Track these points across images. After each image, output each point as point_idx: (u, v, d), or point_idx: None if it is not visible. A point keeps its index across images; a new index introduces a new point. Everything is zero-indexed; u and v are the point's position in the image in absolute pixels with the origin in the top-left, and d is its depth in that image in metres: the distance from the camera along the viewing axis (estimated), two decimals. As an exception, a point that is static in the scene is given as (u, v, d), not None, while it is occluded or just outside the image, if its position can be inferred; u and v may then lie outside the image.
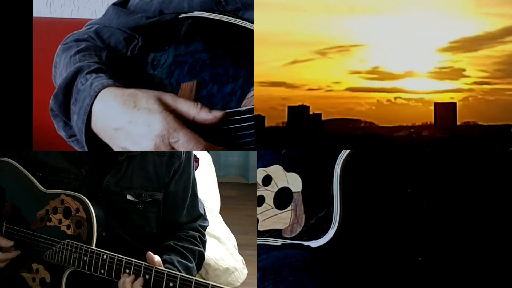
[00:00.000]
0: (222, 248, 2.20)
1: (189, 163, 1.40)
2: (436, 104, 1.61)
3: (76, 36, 1.32)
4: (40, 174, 1.32)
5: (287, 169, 1.20)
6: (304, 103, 1.62)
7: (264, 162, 1.24)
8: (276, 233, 1.20)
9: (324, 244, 1.13)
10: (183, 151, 1.37)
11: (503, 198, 1.17)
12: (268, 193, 1.22)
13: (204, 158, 2.56)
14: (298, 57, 1.49)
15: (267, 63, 1.36)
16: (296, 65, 1.50)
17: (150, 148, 1.05)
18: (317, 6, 1.44)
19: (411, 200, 1.17)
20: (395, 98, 1.56)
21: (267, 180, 1.23)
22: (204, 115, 1.07)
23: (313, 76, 1.52)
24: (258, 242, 1.21)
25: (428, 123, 1.62)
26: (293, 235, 1.17)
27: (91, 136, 1.14)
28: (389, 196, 1.17)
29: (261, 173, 1.23)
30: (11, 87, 1.36)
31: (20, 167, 1.32)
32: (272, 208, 1.21)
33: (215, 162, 2.84)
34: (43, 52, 1.46)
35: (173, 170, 1.36)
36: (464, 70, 1.51)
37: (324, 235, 1.13)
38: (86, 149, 1.16)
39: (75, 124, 1.15)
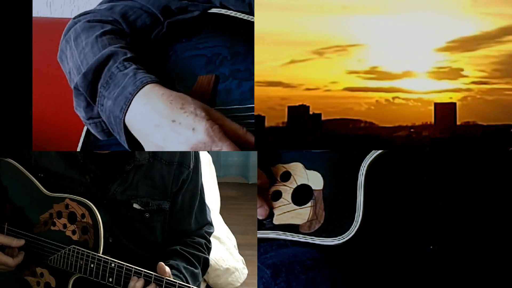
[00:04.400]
0: (222, 248, 2.20)
1: (197, 171, 1.39)
2: (436, 104, 1.61)
3: (98, 17, 1.26)
4: (42, 175, 1.31)
5: (308, 167, 1.20)
6: (303, 103, 1.62)
7: (283, 159, 1.24)
8: (292, 229, 1.20)
9: (344, 242, 1.13)
10: (192, 159, 1.36)
11: (504, 198, 1.17)
12: (286, 188, 1.22)
13: (204, 158, 2.56)
14: (296, 57, 1.49)
15: (265, 62, 1.36)
16: (294, 65, 1.50)
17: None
18: (314, 6, 1.44)
19: (429, 202, 1.17)
20: (393, 98, 1.56)
21: (286, 176, 1.23)
22: (250, 137, 1.06)
23: (311, 76, 1.52)
24: (273, 236, 1.21)
25: (428, 123, 1.62)
26: (311, 231, 1.17)
27: (124, 125, 1.10)
28: (409, 197, 1.17)
29: (279, 169, 1.23)
30: (11, 87, 1.37)
31: (21, 167, 1.31)
32: (290, 203, 1.21)
33: (215, 162, 2.84)
34: (43, 52, 1.47)
35: (181, 180, 1.34)
36: (462, 70, 1.51)
37: (345, 233, 1.13)
38: (122, 136, 1.11)
39: (108, 110, 1.12)
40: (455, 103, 1.60)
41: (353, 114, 1.60)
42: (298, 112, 1.67)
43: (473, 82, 1.52)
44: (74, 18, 1.27)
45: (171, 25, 1.25)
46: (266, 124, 1.55)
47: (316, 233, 1.16)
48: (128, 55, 1.14)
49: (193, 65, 1.19)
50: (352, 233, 1.12)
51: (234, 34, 1.20)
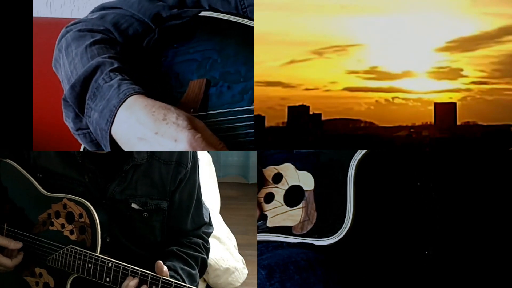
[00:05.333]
0: (222, 248, 2.20)
1: (194, 170, 1.39)
2: (436, 104, 1.61)
3: (89, 26, 1.27)
4: (41, 176, 1.31)
5: (299, 168, 1.20)
6: (302, 103, 1.62)
7: (275, 160, 1.24)
8: (285, 231, 1.20)
9: (336, 242, 1.13)
10: (190, 159, 1.37)
11: (503, 198, 1.17)
12: (278, 190, 1.22)
13: (204, 158, 2.56)
14: (295, 57, 1.49)
15: (265, 62, 1.36)
16: (294, 65, 1.50)
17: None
18: (314, 6, 1.44)
19: (421, 202, 1.17)
20: (393, 98, 1.56)
21: (278, 178, 1.23)
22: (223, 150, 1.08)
23: (311, 76, 1.52)
24: (267, 239, 1.21)
25: (428, 123, 1.62)
26: (303, 232, 1.17)
27: (110, 137, 1.11)
28: (400, 196, 1.17)
29: (271, 170, 1.24)
30: (11, 87, 1.37)
31: (20, 168, 1.31)
32: (282, 205, 1.21)
33: (215, 162, 2.84)
34: (43, 52, 1.46)
35: (179, 178, 1.34)
36: (462, 70, 1.51)
37: (336, 233, 1.13)
38: (108, 148, 1.12)
39: (95, 123, 1.12)
40: (455, 103, 1.60)
41: (352, 114, 1.60)
42: (298, 112, 1.67)
43: (473, 82, 1.52)
44: (66, 27, 1.28)
45: (163, 31, 1.25)
46: (266, 124, 1.55)
47: (309, 234, 1.17)
48: (115, 65, 1.14)
49: (185, 70, 1.20)
50: (344, 233, 1.13)
51: (224, 37, 1.20)
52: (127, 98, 1.08)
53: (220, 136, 1.10)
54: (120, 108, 1.08)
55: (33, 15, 1.44)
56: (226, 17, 1.22)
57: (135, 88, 1.10)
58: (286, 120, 1.67)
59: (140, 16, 1.27)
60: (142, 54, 1.25)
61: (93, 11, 1.33)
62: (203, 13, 1.25)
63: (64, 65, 1.22)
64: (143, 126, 1.06)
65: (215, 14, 1.24)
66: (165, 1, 1.28)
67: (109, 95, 1.10)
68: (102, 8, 1.32)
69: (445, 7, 1.44)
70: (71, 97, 1.15)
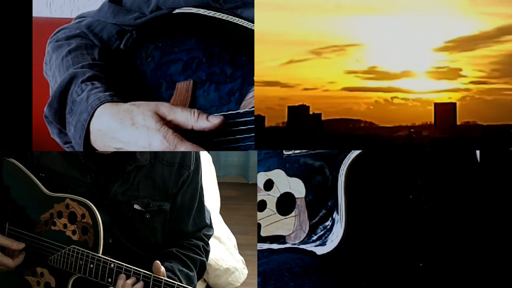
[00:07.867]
0: (223, 248, 2.21)
1: (197, 173, 1.39)
2: (436, 104, 1.61)
3: (67, 33, 1.29)
4: (43, 175, 1.31)
5: (290, 174, 1.20)
6: (302, 103, 1.62)
7: (265, 165, 1.23)
8: (280, 240, 1.20)
9: (330, 251, 1.13)
10: (193, 161, 1.37)
11: (504, 198, 1.17)
12: (270, 198, 1.22)
13: (204, 158, 2.57)
14: (294, 57, 1.49)
15: (263, 63, 1.36)
16: (292, 65, 1.50)
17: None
18: (313, 5, 1.44)
19: (413, 206, 1.17)
20: (392, 98, 1.56)
21: (269, 184, 1.22)
22: (202, 123, 1.05)
23: (310, 76, 1.52)
24: (262, 247, 1.21)
25: (428, 123, 1.62)
26: (297, 241, 1.17)
27: (90, 149, 1.13)
28: (393, 200, 1.17)
29: (262, 177, 1.23)
30: (11, 87, 1.37)
31: (23, 167, 1.32)
32: (275, 213, 1.21)
33: (215, 162, 2.84)
34: (43, 52, 1.46)
35: (181, 181, 1.35)
36: (461, 69, 1.51)
37: (329, 242, 1.13)
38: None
39: (72, 137, 1.14)
40: (455, 103, 1.60)
41: (352, 114, 1.59)
42: (298, 112, 1.67)
43: (472, 82, 1.52)
44: (49, 39, 1.29)
45: (140, 28, 1.25)
46: (266, 124, 1.55)
47: (303, 243, 1.16)
48: (87, 75, 1.15)
49: (172, 71, 1.18)
50: (337, 242, 1.12)
51: (208, 34, 1.18)
52: (95, 111, 1.09)
53: (219, 142, 1.09)
54: (91, 121, 1.09)
55: (33, 15, 1.44)
56: (206, 12, 1.21)
57: (101, 98, 1.10)
58: (286, 120, 1.66)
59: (114, 23, 1.28)
60: (122, 54, 1.25)
61: (75, 19, 1.34)
62: (182, 10, 1.23)
63: (50, 79, 1.24)
64: (116, 136, 1.06)
65: (194, 10, 1.21)
66: (141, 10, 1.28)
67: (80, 109, 1.11)
68: (81, 16, 1.34)
69: (443, 7, 1.43)
70: (50, 114, 1.16)
